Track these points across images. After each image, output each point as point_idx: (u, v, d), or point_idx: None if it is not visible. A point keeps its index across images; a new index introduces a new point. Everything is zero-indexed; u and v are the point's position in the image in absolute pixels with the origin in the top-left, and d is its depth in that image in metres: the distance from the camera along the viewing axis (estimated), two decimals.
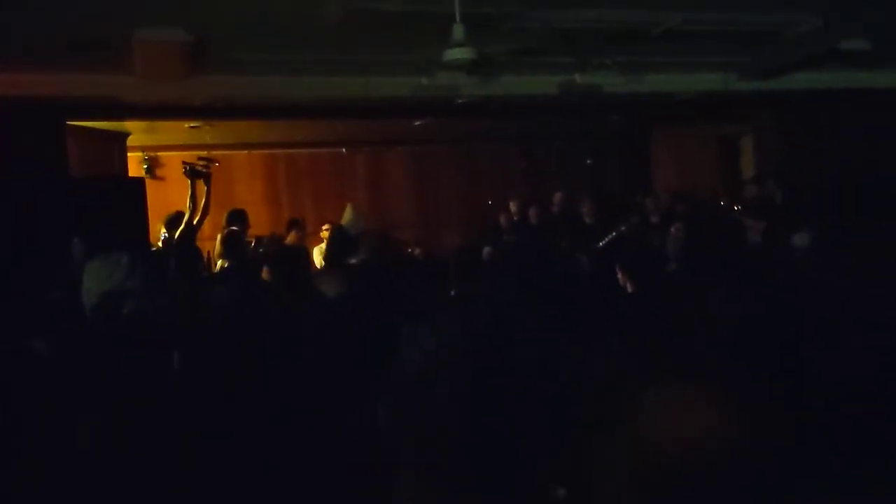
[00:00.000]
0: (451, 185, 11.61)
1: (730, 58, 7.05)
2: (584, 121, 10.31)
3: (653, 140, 11.76)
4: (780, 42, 6.21)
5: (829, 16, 5.62)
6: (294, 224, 8.19)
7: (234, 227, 7.21)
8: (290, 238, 7.96)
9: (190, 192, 7.01)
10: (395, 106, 7.84)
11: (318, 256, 9.26)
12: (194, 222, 7.10)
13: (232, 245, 6.35)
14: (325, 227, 9.64)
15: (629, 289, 4.44)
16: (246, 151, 10.62)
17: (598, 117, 9.94)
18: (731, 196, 8.70)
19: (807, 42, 6.25)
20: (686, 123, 10.67)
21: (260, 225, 9.18)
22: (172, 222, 7.33)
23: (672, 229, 7.47)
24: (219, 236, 6.39)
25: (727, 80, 7.88)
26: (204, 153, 9.50)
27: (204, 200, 7.07)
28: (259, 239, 8.08)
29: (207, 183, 7.08)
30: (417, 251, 10.00)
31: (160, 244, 7.68)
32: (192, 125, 8.59)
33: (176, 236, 7.01)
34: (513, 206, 10.06)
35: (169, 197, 9.56)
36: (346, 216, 7.56)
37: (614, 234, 8.60)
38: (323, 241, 9.38)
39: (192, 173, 7.08)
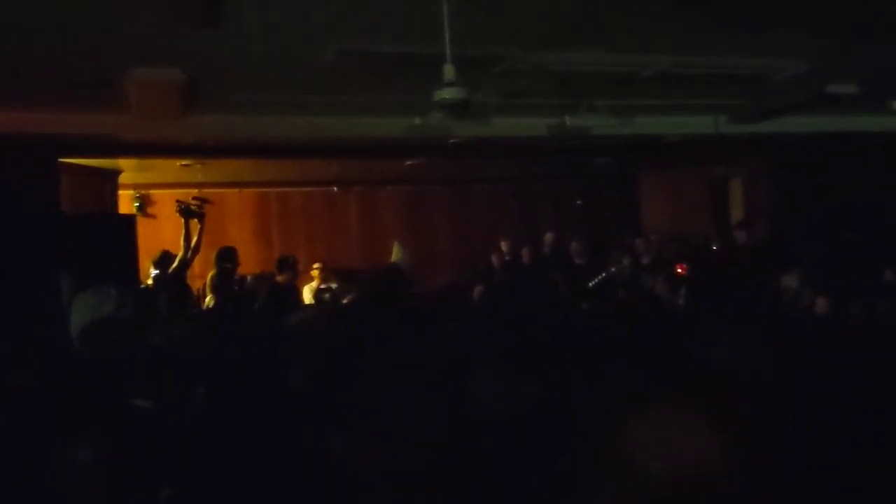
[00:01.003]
0: (443, 224, 11.66)
1: (720, 100, 7.08)
2: (574, 162, 10.36)
3: (642, 182, 11.81)
4: (769, 85, 6.26)
5: (817, 60, 5.66)
6: (285, 263, 8.18)
7: (228, 265, 7.27)
8: (282, 278, 7.97)
9: (184, 231, 7.09)
10: (387, 145, 7.83)
11: (308, 295, 9.28)
12: (187, 260, 7.13)
13: (221, 283, 6.30)
14: (315, 266, 9.71)
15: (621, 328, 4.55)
16: (237, 189, 10.65)
17: (589, 159, 9.98)
18: (722, 239, 8.67)
19: (796, 86, 6.29)
20: (676, 165, 10.73)
21: (250, 263, 9.17)
22: (161, 262, 7.37)
23: (670, 271, 7.48)
24: (209, 274, 6.35)
25: (717, 122, 7.93)
26: (196, 192, 9.60)
27: (196, 239, 7.13)
28: (244, 277, 8.18)
29: (201, 222, 7.18)
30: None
31: (150, 282, 7.69)
32: (184, 163, 8.59)
33: (169, 273, 7.05)
34: (504, 246, 10.13)
35: (160, 234, 9.54)
36: (396, 252, 7.99)
37: (604, 274, 8.66)
38: (314, 280, 9.54)
39: (187, 213, 7.17)
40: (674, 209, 11.01)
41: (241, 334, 4.33)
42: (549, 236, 10.23)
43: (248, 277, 8.43)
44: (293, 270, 8.21)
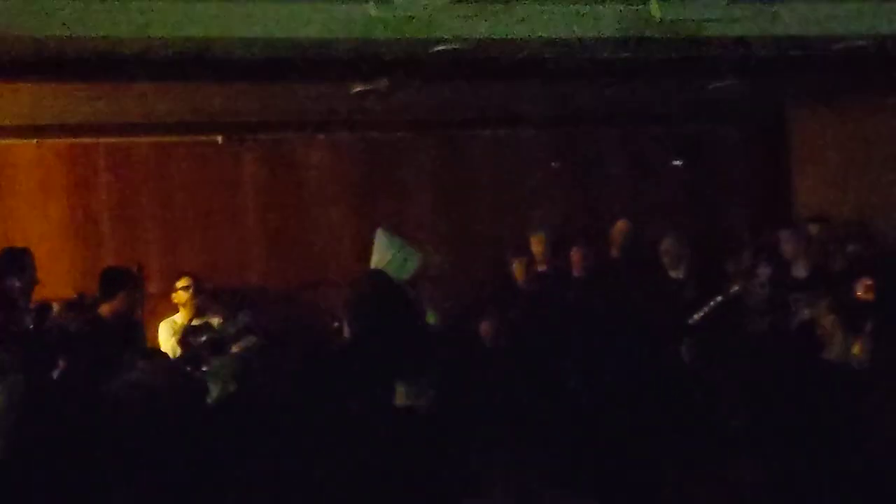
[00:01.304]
0: (421, 204, 11.74)
1: None
2: (665, 87, 10.36)
3: (796, 126, 11.95)
4: None
5: None
6: (118, 280, 8.40)
7: (12, 282, 7.56)
8: (110, 307, 8.20)
9: None
10: (319, 57, 7.87)
11: (166, 337, 9.86)
12: None
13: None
14: (180, 284, 10.03)
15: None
16: (34, 141, 10.72)
17: (693, 80, 10.01)
18: None
19: None
20: (858, 94, 10.78)
21: (58, 276, 9.48)
22: None
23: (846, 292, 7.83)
24: None
25: None
26: None
27: None
28: (45, 306, 8.39)
29: None
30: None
31: None
32: None
33: None
34: (536, 245, 10.52)
35: None
36: (379, 251, 8.16)
37: (720, 298, 8.98)
38: (179, 312, 10.10)
39: None
40: (854, 175, 11.12)
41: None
42: (620, 227, 10.54)
43: (54, 306, 8.61)
44: (134, 293, 8.47)
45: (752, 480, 2.98)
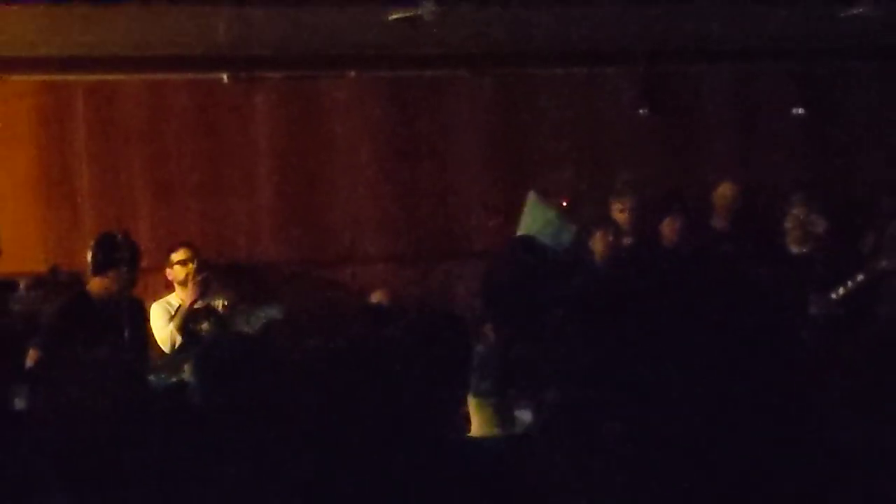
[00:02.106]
0: (471, 163, 11.38)
1: None
2: (783, 14, 9.98)
3: None
4: None
5: None
6: (110, 251, 8.19)
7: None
8: (99, 284, 8.13)
9: None
10: None
11: (160, 322, 9.49)
12: None
13: None
14: (176, 258, 9.74)
15: None
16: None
17: (823, 8, 9.86)
18: None
19: None
20: None
21: (28, 246, 9.48)
22: None
23: None
24: None
25: None
26: None
27: None
28: (12, 283, 8.78)
29: None
30: (382, 299, 10.34)
31: None
32: None
33: None
34: (618, 212, 10.36)
35: None
36: (530, 213, 8.88)
37: (862, 276, 9.00)
38: (175, 290, 9.74)
39: None
40: None
41: None
42: (725, 190, 10.43)
43: (21, 284, 8.83)
44: (128, 268, 8.21)
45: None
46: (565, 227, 9.04)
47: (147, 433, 4.33)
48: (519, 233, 9.15)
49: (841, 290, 8.73)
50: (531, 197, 9.46)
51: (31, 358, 7.61)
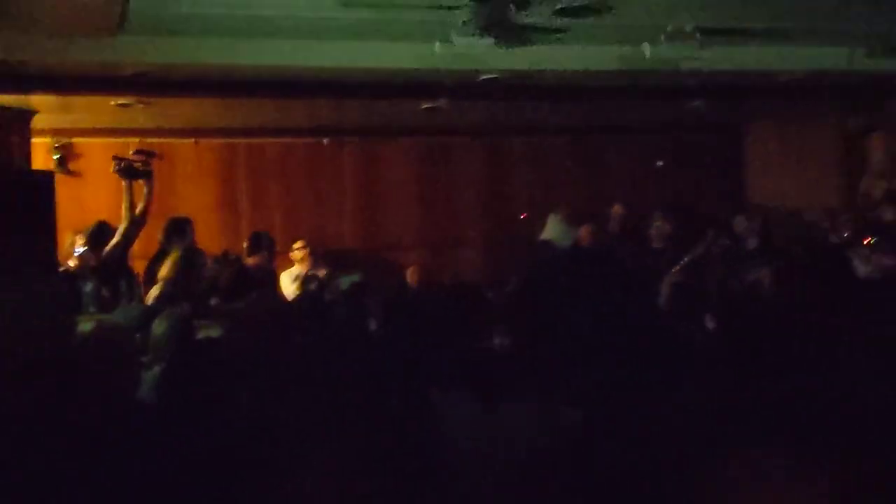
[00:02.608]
0: (471, 191, 11.67)
1: (857, 27, 7.11)
2: (654, 108, 10.30)
3: (748, 137, 11.85)
4: None
5: None
6: (259, 242, 8.34)
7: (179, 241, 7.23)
8: (253, 260, 8.13)
9: (126, 197, 7.14)
10: (396, 82, 7.93)
11: (287, 283, 9.50)
12: (130, 235, 7.20)
13: (188, 267, 6.32)
14: (297, 246, 9.94)
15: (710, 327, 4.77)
16: (193, 140, 10.73)
17: (674, 104, 9.89)
18: (857, 219, 8.68)
19: None
20: (794, 115, 10.72)
21: (209, 240, 9.25)
22: (95, 236, 7.43)
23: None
24: (174, 254, 6.37)
25: (852, 56, 7.91)
26: (137, 143, 9.35)
27: (142, 206, 7.19)
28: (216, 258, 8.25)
29: (148, 184, 7.22)
30: (414, 276, 10.52)
31: (73, 262, 7.65)
32: (119, 102, 8.57)
33: (105, 253, 7.12)
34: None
35: (87, 198, 9.69)
36: (551, 226, 8.43)
37: (686, 259, 8.64)
38: (295, 264, 9.85)
39: (128, 172, 7.18)
40: (790, 174, 11.02)
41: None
42: (617, 209, 10.24)
43: (209, 260, 8.41)
44: (269, 252, 8.38)
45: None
46: (568, 234, 8.86)
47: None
48: (543, 237, 8.95)
49: (677, 267, 8.21)
50: (551, 216, 9.11)
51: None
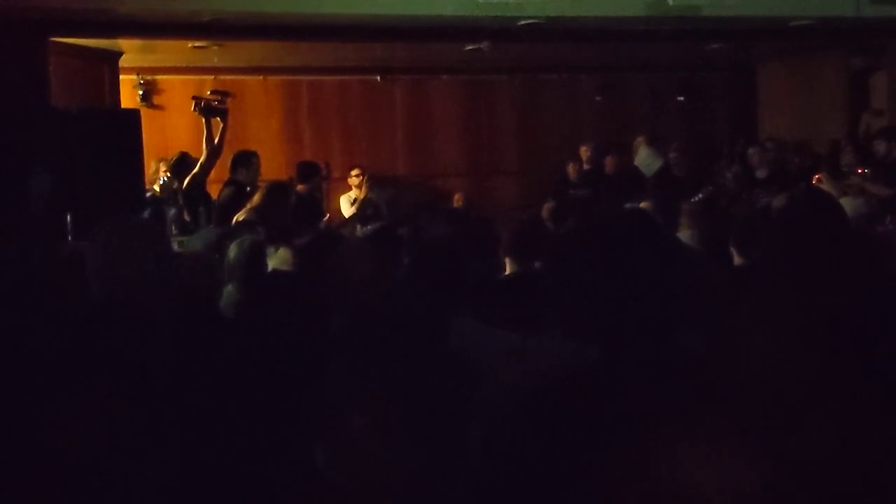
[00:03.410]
0: (509, 124, 11.55)
1: None
2: (676, 49, 10.17)
3: (761, 75, 11.67)
4: None
5: None
6: (307, 171, 8.10)
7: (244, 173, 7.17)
8: (302, 187, 7.95)
9: (206, 132, 7.19)
10: (443, 26, 7.82)
11: (346, 207, 9.64)
12: (208, 165, 7.25)
13: (278, 196, 6.28)
14: (354, 173, 9.98)
15: (736, 261, 4.39)
16: (261, 77, 10.68)
17: (695, 45, 9.78)
18: (856, 152, 8.50)
19: None
20: (804, 55, 10.53)
21: (276, 168, 9.31)
22: (178, 166, 7.57)
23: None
24: (264, 186, 6.37)
25: (858, 2, 7.73)
26: (212, 80, 9.68)
27: (218, 139, 7.23)
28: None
29: (224, 120, 7.26)
30: (460, 201, 10.39)
31: (157, 188, 7.83)
32: (196, 44, 8.59)
33: (186, 181, 7.18)
34: (584, 153, 10.10)
35: (168, 129, 9.77)
36: (641, 153, 8.81)
37: (701, 195, 8.46)
38: (352, 189, 9.89)
39: (207, 110, 7.22)
40: (799, 110, 10.84)
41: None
42: (640, 141, 10.15)
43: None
44: (316, 180, 8.24)
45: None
46: (656, 159, 9.20)
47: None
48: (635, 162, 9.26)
49: (699, 196, 8.24)
50: (641, 145, 9.58)
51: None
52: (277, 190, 6.39)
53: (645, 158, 9.35)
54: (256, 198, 6.24)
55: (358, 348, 1.74)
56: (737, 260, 4.42)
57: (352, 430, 1.65)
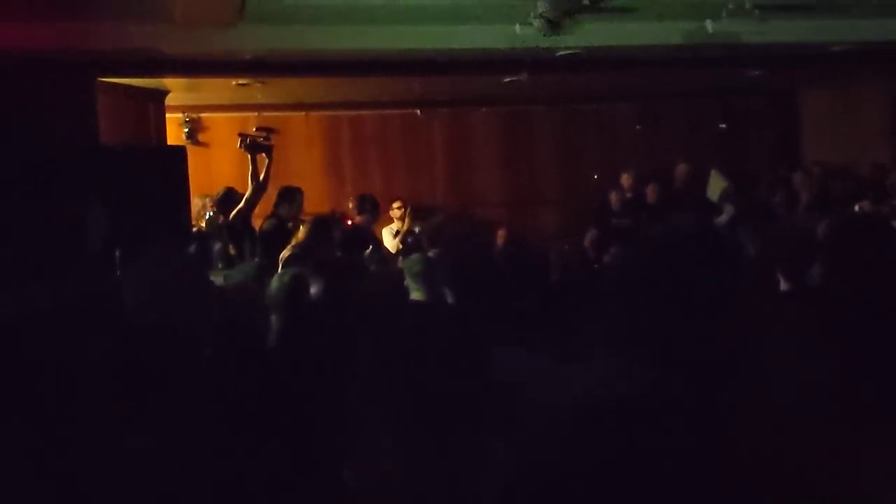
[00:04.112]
0: (549, 154, 11.55)
1: None
2: (716, 76, 10.10)
3: (804, 102, 11.59)
4: None
5: None
6: (365, 203, 8.22)
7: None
8: (359, 219, 8.09)
9: (251, 168, 7.30)
10: (482, 59, 7.87)
11: (389, 239, 9.50)
12: (254, 200, 7.34)
13: (322, 231, 6.37)
14: (395, 206, 9.88)
15: (784, 286, 4.34)
16: (303, 113, 10.78)
17: (735, 73, 9.68)
18: None
19: None
20: (848, 81, 10.46)
21: (318, 201, 9.39)
22: (224, 201, 7.63)
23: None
24: (309, 221, 6.45)
25: None
26: (255, 116, 9.78)
27: (264, 175, 7.34)
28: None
29: (269, 156, 7.38)
30: (503, 235, 10.36)
31: (204, 224, 7.94)
32: (240, 82, 8.72)
33: (232, 216, 7.28)
34: (625, 181, 10.27)
35: (212, 165, 9.87)
36: (713, 181, 8.76)
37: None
38: (394, 222, 9.78)
39: (253, 147, 7.36)
40: (845, 136, 10.74)
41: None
42: (682, 168, 10.21)
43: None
44: (374, 213, 8.33)
45: None
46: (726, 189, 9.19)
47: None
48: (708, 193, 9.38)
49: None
50: (713, 173, 9.59)
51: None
52: (322, 224, 6.45)
53: (716, 188, 9.27)
54: (301, 233, 6.31)
55: (390, 373, 1.76)
56: (784, 285, 4.41)
57: (380, 452, 1.66)
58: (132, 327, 2.91)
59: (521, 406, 1.91)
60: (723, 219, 8.40)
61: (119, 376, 2.33)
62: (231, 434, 2.28)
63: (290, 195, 7.33)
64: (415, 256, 5.05)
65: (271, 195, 7.54)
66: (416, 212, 9.74)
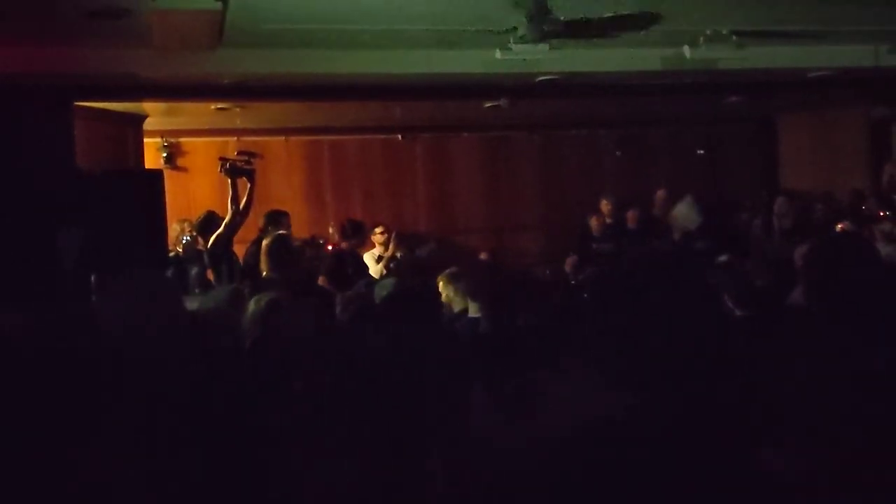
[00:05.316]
0: (530, 180, 11.61)
1: (881, 26, 6.91)
2: (695, 102, 10.17)
3: (782, 128, 11.67)
4: None
5: None
6: (354, 228, 8.42)
7: (282, 232, 7.24)
8: (346, 244, 8.17)
9: (231, 192, 7.21)
10: (463, 84, 7.89)
11: (371, 264, 9.45)
12: (235, 225, 7.25)
13: (281, 253, 6.25)
14: (378, 230, 9.85)
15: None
16: (283, 138, 10.75)
17: (713, 99, 9.77)
18: (880, 199, 8.47)
19: None
20: (824, 106, 10.54)
21: (299, 226, 9.17)
22: (204, 225, 7.52)
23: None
24: (264, 242, 6.34)
25: (877, 53, 7.72)
26: (235, 141, 9.72)
27: (245, 200, 7.24)
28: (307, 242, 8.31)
29: (251, 180, 7.28)
30: (486, 257, 10.44)
31: (180, 249, 7.87)
32: (219, 106, 8.68)
33: (212, 240, 7.19)
34: (605, 207, 10.19)
35: (191, 190, 9.83)
36: (682, 209, 8.55)
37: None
38: (375, 246, 9.72)
39: (233, 171, 7.26)
40: (822, 161, 10.84)
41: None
42: (661, 194, 10.21)
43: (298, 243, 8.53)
44: (361, 237, 8.44)
45: None
46: (697, 217, 8.98)
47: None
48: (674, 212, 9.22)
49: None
50: (682, 202, 9.31)
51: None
52: (279, 249, 6.27)
53: (684, 215, 9.26)
54: (263, 262, 6.17)
55: (356, 402, 1.74)
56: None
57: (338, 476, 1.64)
58: (106, 350, 2.89)
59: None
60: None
61: (90, 398, 2.33)
62: (199, 457, 2.27)
63: (277, 220, 7.33)
64: (386, 281, 4.99)
65: (253, 220, 7.50)
66: (402, 238, 9.70)
